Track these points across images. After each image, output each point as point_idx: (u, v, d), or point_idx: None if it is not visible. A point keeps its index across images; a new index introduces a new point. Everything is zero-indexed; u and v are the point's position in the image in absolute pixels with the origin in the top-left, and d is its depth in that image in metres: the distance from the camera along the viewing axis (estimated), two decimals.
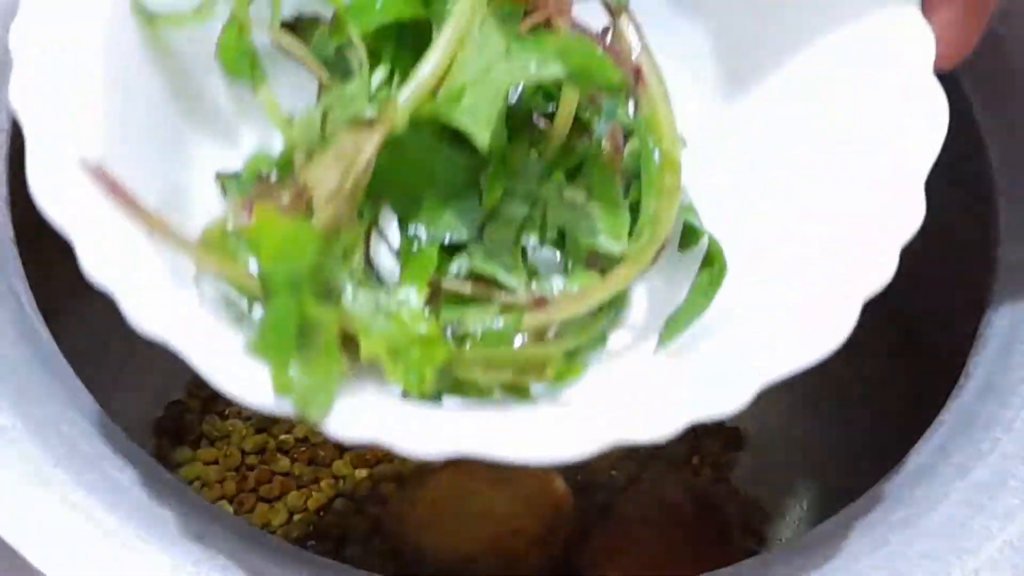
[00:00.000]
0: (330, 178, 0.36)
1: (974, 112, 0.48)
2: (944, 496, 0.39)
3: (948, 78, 0.37)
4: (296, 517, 0.66)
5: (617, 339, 0.39)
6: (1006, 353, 0.42)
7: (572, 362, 0.37)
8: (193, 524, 0.37)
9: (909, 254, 0.51)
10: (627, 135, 0.40)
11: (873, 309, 0.64)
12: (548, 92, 0.40)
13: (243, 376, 0.31)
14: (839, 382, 0.67)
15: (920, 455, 0.41)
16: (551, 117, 0.40)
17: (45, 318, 0.42)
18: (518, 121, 0.40)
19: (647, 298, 0.40)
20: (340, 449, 0.68)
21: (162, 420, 0.70)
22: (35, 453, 0.38)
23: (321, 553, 0.61)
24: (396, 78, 0.39)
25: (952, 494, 0.39)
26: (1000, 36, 0.47)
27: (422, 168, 0.39)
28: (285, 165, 0.38)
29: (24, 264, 0.41)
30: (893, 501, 0.40)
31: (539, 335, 0.38)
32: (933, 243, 0.59)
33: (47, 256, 0.60)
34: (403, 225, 0.39)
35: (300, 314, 0.32)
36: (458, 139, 0.37)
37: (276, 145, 0.39)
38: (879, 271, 0.34)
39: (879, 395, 0.64)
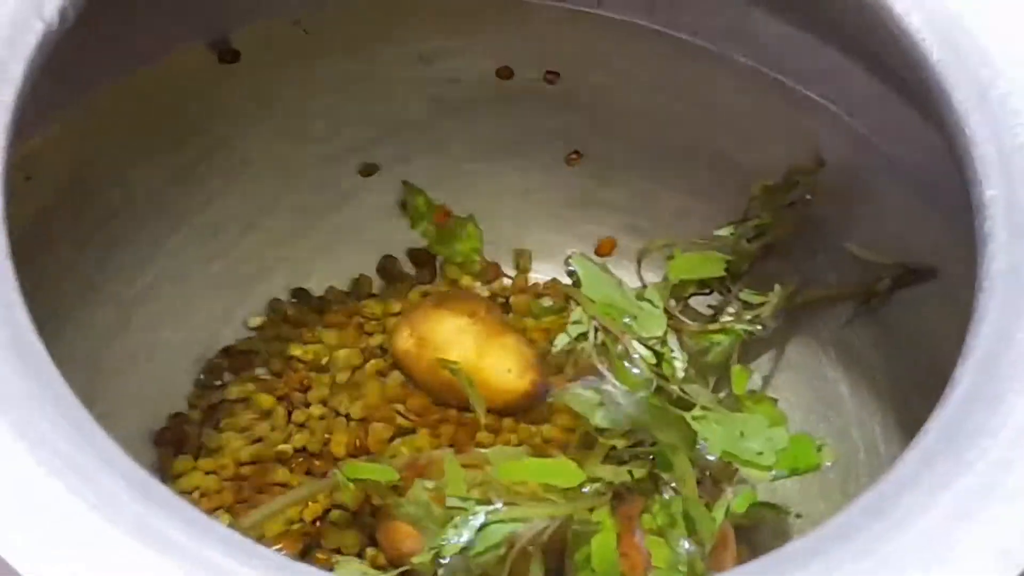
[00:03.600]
0: None
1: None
2: (930, 505, 0.39)
3: None
4: (293, 527, 0.67)
5: None
6: (991, 363, 0.42)
7: None
8: (186, 534, 0.37)
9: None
10: None
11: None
12: None
13: None
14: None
15: (906, 464, 0.41)
16: None
17: (43, 331, 0.42)
18: None
19: None
20: (335, 460, 0.68)
21: (163, 431, 0.70)
22: (28, 464, 0.38)
23: (315, 563, 0.62)
24: None
25: (938, 502, 0.39)
26: None
27: None
28: None
29: (21, 277, 0.42)
30: (879, 510, 0.40)
31: None
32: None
33: (47, 270, 0.61)
34: None
35: None
36: None
37: None
38: None
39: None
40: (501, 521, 0.55)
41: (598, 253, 0.76)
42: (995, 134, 0.47)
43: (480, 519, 0.55)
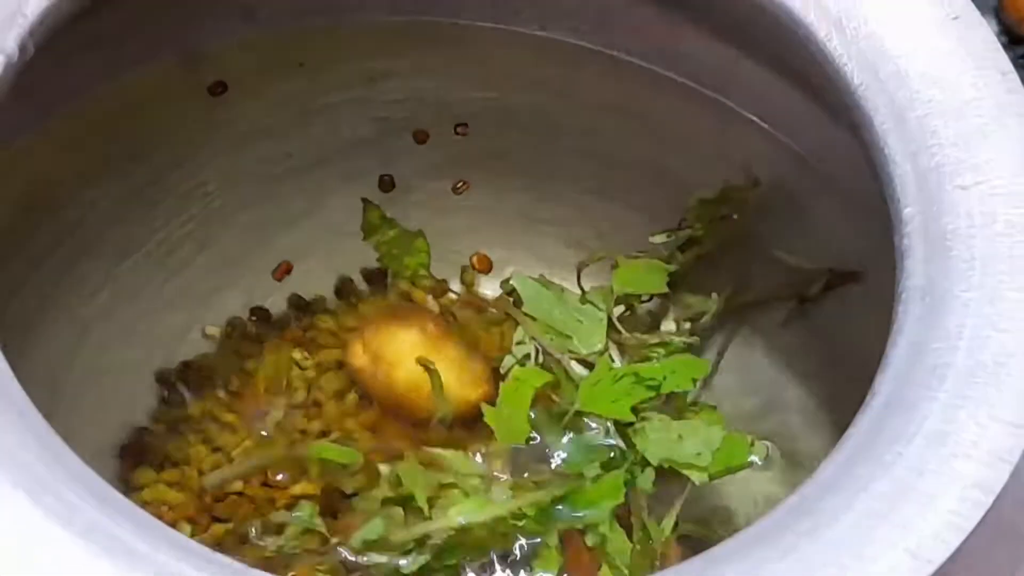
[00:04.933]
0: None
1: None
2: (849, 506, 0.41)
3: None
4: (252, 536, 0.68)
5: None
6: (908, 372, 0.44)
7: None
8: (144, 543, 0.39)
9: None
10: None
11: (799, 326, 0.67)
12: None
13: None
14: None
15: (828, 468, 0.43)
16: None
17: (5, 345, 0.44)
18: None
19: None
20: (297, 471, 0.69)
21: (126, 444, 0.71)
22: None
23: (273, 570, 0.63)
24: None
25: (856, 504, 0.41)
26: None
27: None
28: None
29: None
30: (802, 511, 0.42)
31: None
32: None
33: (3, 288, 0.62)
34: None
35: None
36: None
37: None
38: None
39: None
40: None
41: (475, 269, 0.79)
42: (912, 154, 0.49)
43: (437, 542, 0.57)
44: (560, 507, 0.59)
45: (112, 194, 0.68)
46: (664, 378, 0.62)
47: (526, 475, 0.63)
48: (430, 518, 0.58)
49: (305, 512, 0.62)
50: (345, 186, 0.76)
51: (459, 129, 0.75)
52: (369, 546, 0.58)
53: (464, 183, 0.77)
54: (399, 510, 0.58)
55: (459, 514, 0.57)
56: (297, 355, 0.76)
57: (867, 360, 0.47)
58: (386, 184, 0.77)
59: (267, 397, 0.74)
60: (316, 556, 0.60)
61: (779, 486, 0.68)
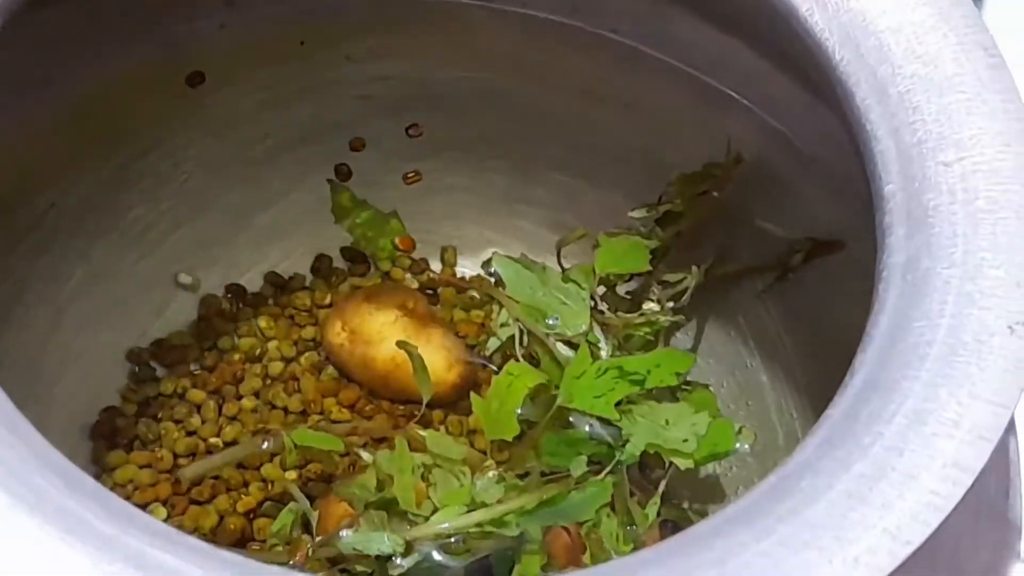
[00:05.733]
0: None
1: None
2: (828, 487, 0.41)
3: None
4: (226, 520, 0.68)
5: None
6: (888, 351, 0.44)
7: None
8: (113, 526, 0.38)
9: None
10: None
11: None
12: None
13: None
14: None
15: (807, 449, 0.42)
16: None
17: None
18: None
19: None
20: (269, 453, 0.69)
21: (97, 425, 0.71)
22: None
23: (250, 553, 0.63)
24: None
25: (836, 485, 0.41)
26: None
27: None
28: None
29: None
30: (781, 492, 0.41)
31: None
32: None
33: None
34: None
35: None
36: None
37: None
38: None
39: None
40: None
41: (399, 250, 0.79)
42: (894, 130, 0.48)
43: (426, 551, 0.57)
44: (547, 510, 0.59)
45: (87, 176, 0.68)
46: (648, 372, 0.62)
47: (509, 463, 0.62)
48: (415, 522, 0.57)
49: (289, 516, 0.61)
50: (325, 166, 0.76)
51: (411, 131, 0.75)
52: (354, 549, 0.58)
53: (416, 173, 0.77)
54: (383, 513, 0.58)
55: (443, 520, 0.57)
56: (271, 331, 0.76)
57: (849, 338, 0.47)
58: (367, 164, 0.76)
59: (242, 368, 0.74)
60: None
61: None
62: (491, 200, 0.77)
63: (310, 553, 0.57)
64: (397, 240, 0.78)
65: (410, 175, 0.77)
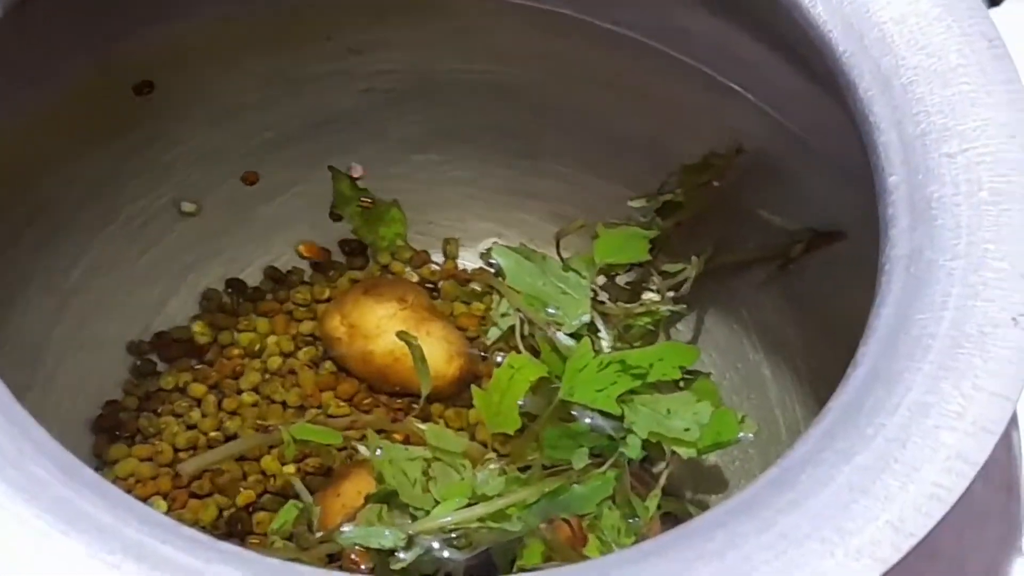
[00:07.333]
0: None
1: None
2: (830, 479, 0.40)
3: None
4: (226, 513, 0.68)
5: None
6: (891, 343, 0.44)
7: None
8: (111, 515, 0.38)
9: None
10: None
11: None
12: None
13: None
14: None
15: (809, 441, 0.42)
16: None
17: None
18: None
19: None
20: (267, 446, 0.69)
21: (99, 419, 0.71)
22: None
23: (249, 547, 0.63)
24: None
25: (838, 477, 0.40)
26: None
27: None
28: None
29: None
30: (782, 484, 0.41)
31: None
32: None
33: None
34: None
35: None
36: None
37: None
38: None
39: None
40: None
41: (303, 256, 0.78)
42: (898, 121, 0.48)
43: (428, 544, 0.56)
44: (549, 503, 0.59)
45: (88, 168, 0.67)
46: (651, 366, 0.61)
47: (510, 456, 0.62)
48: (415, 517, 0.57)
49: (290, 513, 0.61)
50: (326, 158, 0.76)
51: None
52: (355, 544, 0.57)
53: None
54: (383, 507, 0.58)
55: (445, 513, 0.57)
56: (270, 325, 0.76)
57: (852, 330, 0.46)
58: (368, 156, 0.76)
59: (242, 363, 0.74)
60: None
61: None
62: (494, 192, 0.77)
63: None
64: (302, 248, 0.78)
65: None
